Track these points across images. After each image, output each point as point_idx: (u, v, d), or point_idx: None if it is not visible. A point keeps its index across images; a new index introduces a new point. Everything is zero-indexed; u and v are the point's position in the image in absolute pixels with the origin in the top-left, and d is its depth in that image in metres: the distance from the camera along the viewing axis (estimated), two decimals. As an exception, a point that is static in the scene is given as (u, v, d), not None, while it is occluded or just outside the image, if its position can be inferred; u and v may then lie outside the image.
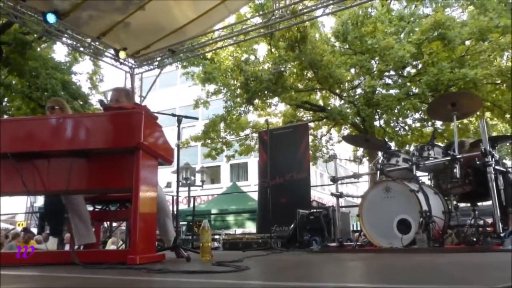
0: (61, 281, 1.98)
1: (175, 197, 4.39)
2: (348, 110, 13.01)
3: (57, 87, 11.93)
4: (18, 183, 2.76)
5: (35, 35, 11.60)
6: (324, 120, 15.09)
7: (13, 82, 12.30)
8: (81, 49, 8.71)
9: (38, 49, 13.12)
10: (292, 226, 5.76)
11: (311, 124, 15.30)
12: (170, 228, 3.55)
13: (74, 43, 8.26)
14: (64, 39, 8.13)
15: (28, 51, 11.56)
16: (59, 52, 26.34)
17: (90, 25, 7.44)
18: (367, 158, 14.83)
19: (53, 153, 2.85)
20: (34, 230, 13.11)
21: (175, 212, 4.28)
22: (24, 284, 1.83)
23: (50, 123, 2.94)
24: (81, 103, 12.92)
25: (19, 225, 17.54)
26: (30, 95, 11.74)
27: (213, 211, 12.80)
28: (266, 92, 13.39)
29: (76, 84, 13.52)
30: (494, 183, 3.40)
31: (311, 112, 15.81)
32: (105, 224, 3.67)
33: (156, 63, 9.38)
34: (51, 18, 6.72)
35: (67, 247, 4.24)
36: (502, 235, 3.23)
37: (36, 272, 2.35)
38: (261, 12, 10.84)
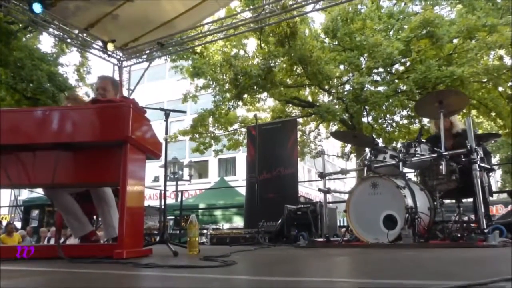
0: (46, 276, 1.96)
1: (162, 192, 4.36)
2: (337, 107, 13.07)
3: (43, 79, 11.72)
4: (2, 176, 2.71)
5: (21, 25, 11.37)
6: (313, 116, 15.14)
7: (-3, 73, 12.05)
8: (68, 40, 8.58)
9: (24, 39, 12.86)
10: (279, 221, 5.78)
11: (300, 120, 15.34)
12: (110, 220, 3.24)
13: (61, 34, 8.14)
14: (50, 29, 8.01)
15: (13, 41, 11.33)
16: (46, 43, 25.88)
17: (77, 16, 7.33)
18: (355, 154, 14.95)
19: (38, 146, 2.81)
20: (18, 224, 12.95)
21: (162, 207, 4.26)
22: (7, 279, 1.80)
23: (36, 115, 2.89)
24: (72, 93, 12.72)
25: (3, 218, 17.28)
26: (14, 86, 11.51)
27: (201, 205, 12.80)
28: (255, 87, 13.38)
29: (63, 76, 13.30)
30: (478, 180, 3.46)
31: (299, 107, 15.85)
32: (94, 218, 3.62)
33: (145, 56, 9.30)
34: (37, 7, 6.60)
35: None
36: (486, 231, 3.28)
37: (20, 266, 2.32)
38: (251, 7, 10.80)
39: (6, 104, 11.76)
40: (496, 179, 26.81)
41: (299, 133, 14.05)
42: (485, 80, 12.22)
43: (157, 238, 6.47)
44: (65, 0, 6.83)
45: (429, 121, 5.39)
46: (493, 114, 13.58)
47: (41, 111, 2.91)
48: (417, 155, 4.00)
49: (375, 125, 14.81)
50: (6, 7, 6.87)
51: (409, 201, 3.61)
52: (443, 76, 11.15)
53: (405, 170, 4.07)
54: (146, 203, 4.52)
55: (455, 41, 12.95)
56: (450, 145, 4.09)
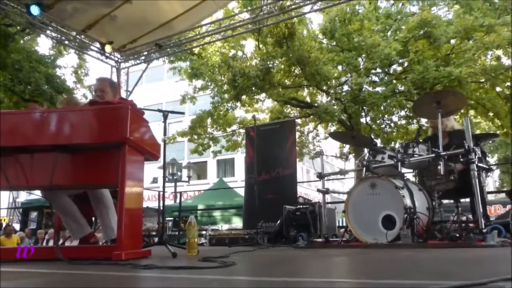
0: (45, 278, 1.95)
1: (161, 193, 4.36)
2: (335, 107, 13.08)
3: (40, 81, 11.71)
4: (0, 178, 2.71)
5: (18, 27, 11.36)
6: (311, 116, 15.15)
7: (-5, 75, 12.03)
8: (66, 42, 8.57)
9: (21, 41, 12.85)
10: (278, 222, 5.78)
11: (298, 121, 15.34)
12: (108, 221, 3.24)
13: (59, 36, 8.13)
14: (48, 32, 7.99)
15: (11, 43, 11.32)
16: (43, 45, 25.81)
17: (75, 18, 7.32)
18: (353, 154, 14.94)
19: (37, 148, 2.81)
20: (17, 226, 12.93)
21: (161, 208, 4.26)
22: (6, 281, 1.80)
23: (34, 117, 2.89)
24: (66, 97, 12.71)
25: (2, 220, 17.24)
26: (12, 89, 11.49)
27: (200, 207, 12.77)
28: (253, 88, 13.38)
29: (61, 78, 13.28)
30: (477, 180, 3.46)
31: (298, 108, 15.85)
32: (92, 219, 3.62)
33: (143, 57, 9.30)
34: (34, 10, 6.60)
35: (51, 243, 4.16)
36: (484, 231, 3.29)
37: (19, 268, 2.31)
38: (249, 8, 10.80)
39: (5, 107, 11.74)
40: (494, 179, 26.88)
41: (297, 134, 14.02)
42: (483, 80, 12.24)
43: (155, 239, 6.48)
44: (63, 2, 6.82)
45: (426, 122, 5.41)
46: (491, 114, 13.60)
47: (39, 113, 2.91)
48: (415, 155, 4.01)
49: (374, 126, 14.82)
50: (4, 9, 6.86)
51: (408, 201, 3.62)
52: (440, 76, 11.16)
53: (404, 170, 4.08)
54: (144, 205, 4.51)
55: (452, 41, 12.96)
56: (444, 144, 4.10)
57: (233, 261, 2.25)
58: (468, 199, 4.05)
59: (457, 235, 3.42)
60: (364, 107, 13.47)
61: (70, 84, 13.99)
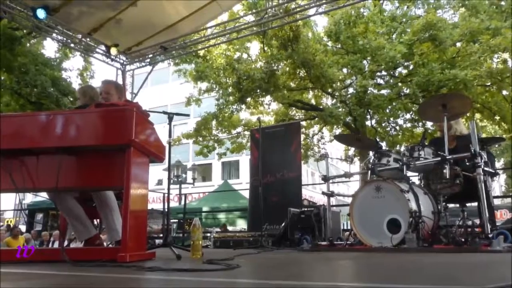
0: (49, 279, 1.96)
1: (166, 195, 4.37)
2: (340, 110, 13.05)
3: (46, 83, 11.81)
4: (7, 180, 2.73)
5: (25, 31, 11.46)
6: (316, 119, 15.14)
7: (2, 78, 12.13)
8: (72, 45, 8.63)
9: (28, 44, 12.95)
10: (283, 224, 5.77)
11: (303, 123, 15.33)
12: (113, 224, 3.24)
13: (65, 39, 8.19)
14: (54, 35, 8.05)
15: (17, 47, 11.41)
16: (49, 48, 26.00)
17: (81, 21, 7.38)
18: (358, 157, 14.92)
19: (42, 150, 2.82)
20: (23, 227, 13.01)
21: (166, 210, 4.26)
22: (10, 282, 1.81)
23: (40, 119, 2.90)
24: (71, 99, 12.80)
25: (7, 222, 17.36)
26: (19, 91, 11.60)
27: (204, 209, 12.79)
28: (258, 90, 13.39)
29: (66, 81, 13.38)
30: (483, 184, 3.43)
31: (303, 111, 15.85)
32: (95, 222, 3.62)
33: (148, 60, 9.35)
34: (41, 13, 6.66)
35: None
36: (490, 235, 3.26)
37: (23, 269, 2.32)
38: (254, 10, 10.83)
39: (11, 109, 11.84)
40: (500, 183, 26.60)
41: (302, 136, 14.02)
42: (489, 83, 12.18)
43: (157, 242, 6.48)
44: (69, 5, 6.87)
45: (432, 125, 5.39)
46: (497, 117, 13.52)
47: (45, 116, 2.93)
48: (420, 159, 3.99)
49: (379, 129, 14.78)
50: (10, 13, 6.93)
51: (413, 205, 3.60)
52: (446, 79, 11.11)
53: (409, 173, 4.06)
54: (149, 207, 4.51)
55: (458, 44, 12.91)
56: (452, 148, 4.08)
57: (237, 264, 2.24)
58: (474, 204, 4.02)
59: (463, 240, 3.39)
60: (369, 110, 13.43)
61: (75, 87, 14.07)
